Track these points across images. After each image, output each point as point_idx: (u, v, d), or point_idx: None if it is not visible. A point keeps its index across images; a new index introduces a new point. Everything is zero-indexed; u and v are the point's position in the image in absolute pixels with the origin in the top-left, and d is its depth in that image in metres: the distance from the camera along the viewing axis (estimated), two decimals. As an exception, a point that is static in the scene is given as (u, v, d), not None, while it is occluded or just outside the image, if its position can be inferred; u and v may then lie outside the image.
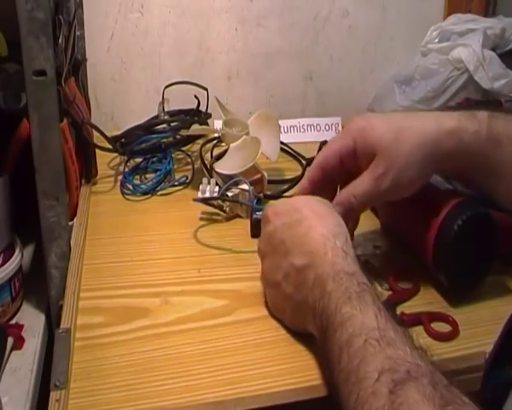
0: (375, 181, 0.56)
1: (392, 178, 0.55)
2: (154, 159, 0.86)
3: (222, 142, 0.83)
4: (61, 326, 0.53)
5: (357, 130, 0.58)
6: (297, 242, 0.51)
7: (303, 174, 0.83)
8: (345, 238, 0.51)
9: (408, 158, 0.55)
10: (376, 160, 0.56)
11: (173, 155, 0.86)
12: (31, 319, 0.60)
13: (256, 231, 0.64)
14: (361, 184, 0.57)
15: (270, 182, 0.78)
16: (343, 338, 0.42)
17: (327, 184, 0.61)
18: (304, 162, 0.87)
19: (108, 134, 0.82)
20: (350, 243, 0.51)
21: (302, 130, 1.00)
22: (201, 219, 0.72)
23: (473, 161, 0.57)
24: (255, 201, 0.71)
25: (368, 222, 0.72)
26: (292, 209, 0.54)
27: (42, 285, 0.60)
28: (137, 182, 0.82)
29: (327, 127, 0.99)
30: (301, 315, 0.50)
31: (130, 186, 0.81)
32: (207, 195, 0.72)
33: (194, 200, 0.70)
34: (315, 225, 0.51)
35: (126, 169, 0.83)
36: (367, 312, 0.43)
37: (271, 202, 0.60)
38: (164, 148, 0.85)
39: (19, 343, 0.56)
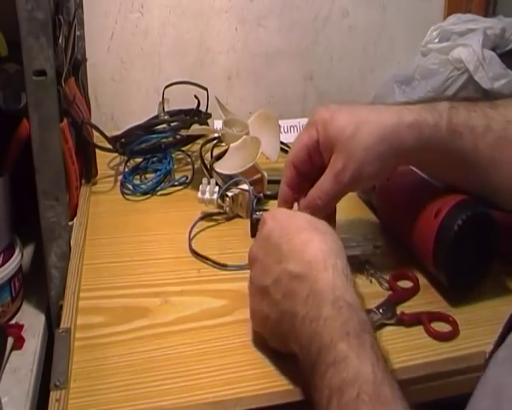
0: (336, 178, 0.55)
1: (352, 173, 0.54)
2: (154, 159, 0.86)
3: (222, 142, 0.83)
4: (61, 326, 0.53)
5: (319, 121, 0.57)
6: (295, 249, 0.48)
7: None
8: (345, 259, 0.48)
9: (366, 153, 0.54)
10: (335, 154, 0.55)
11: (173, 155, 0.86)
12: (31, 319, 0.60)
13: (256, 230, 0.64)
14: (323, 184, 0.56)
15: (270, 182, 0.78)
16: (334, 382, 0.39)
17: (303, 184, 0.59)
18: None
19: (108, 134, 0.82)
20: (348, 263, 0.48)
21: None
22: (201, 219, 0.72)
23: (434, 153, 0.56)
24: (255, 201, 0.71)
25: (368, 222, 0.72)
26: (290, 217, 0.53)
27: (42, 285, 0.60)
28: (137, 182, 0.82)
29: (327, 127, 0.99)
30: (284, 328, 0.46)
31: (130, 186, 0.81)
32: (207, 195, 0.72)
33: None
34: (314, 239, 0.48)
35: (126, 169, 0.83)
36: (364, 357, 0.39)
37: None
38: (164, 148, 0.85)
39: (19, 343, 0.56)
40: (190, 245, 0.66)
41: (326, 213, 0.57)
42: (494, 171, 0.55)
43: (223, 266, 0.63)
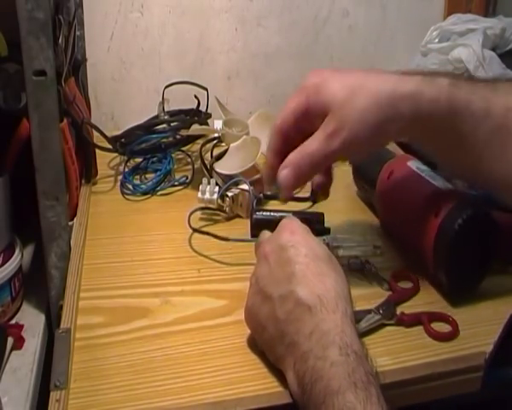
0: (326, 140, 0.52)
1: (344, 137, 0.52)
2: (154, 159, 0.86)
3: (222, 142, 0.83)
4: (61, 326, 0.53)
5: (311, 86, 0.55)
6: (308, 275, 0.46)
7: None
8: (352, 306, 0.47)
9: (360, 118, 0.52)
10: (328, 117, 0.53)
11: (173, 155, 0.86)
12: (31, 319, 0.60)
13: (256, 231, 0.64)
14: (312, 143, 0.53)
15: (270, 182, 0.78)
16: None
17: (289, 152, 0.56)
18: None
19: (108, 134, 0.82)
20: (353, 311, 0.46)
21: (302, 130, 1.00)
22: (201, 219, 0.73)
23: (430, 130, 0.53)
24: (255, 201, 0.71)
25: (368, 222, 0.72)
26: (308, 237, 0.51)
27: (42, 285, 0.60)
28: (137, 182, 0.82)
29: (327, 127, 0.99)
30: (281, 349, 0.46)
31: (130, 186, 0.81)
32: (207, 195, 0.72)
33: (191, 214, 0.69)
34: (330, 274, 0.47)
35: (126, 169, 0.83)
36: None
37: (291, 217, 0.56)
38: (164, 148, 0.85)
39: (19, 343, 0.56)
40: (189, 222, 0.67)
41: (310, 176, 0.56)
42: (490, 159, 0.52)
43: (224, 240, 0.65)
